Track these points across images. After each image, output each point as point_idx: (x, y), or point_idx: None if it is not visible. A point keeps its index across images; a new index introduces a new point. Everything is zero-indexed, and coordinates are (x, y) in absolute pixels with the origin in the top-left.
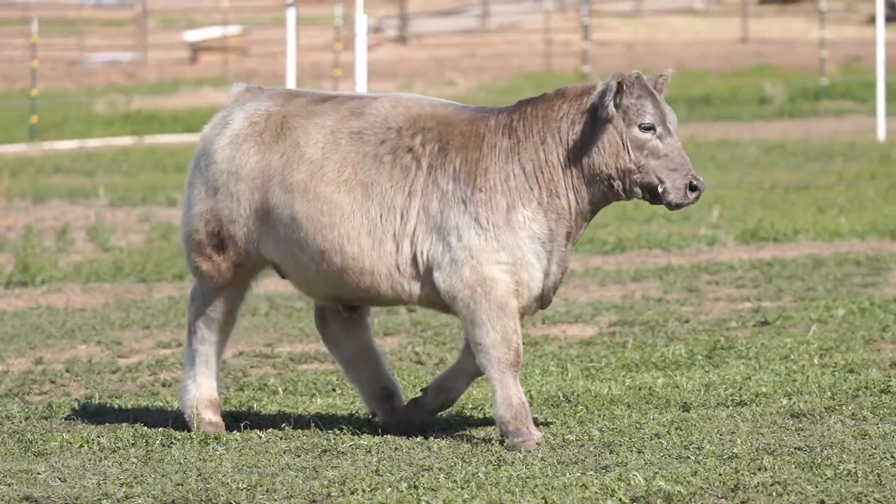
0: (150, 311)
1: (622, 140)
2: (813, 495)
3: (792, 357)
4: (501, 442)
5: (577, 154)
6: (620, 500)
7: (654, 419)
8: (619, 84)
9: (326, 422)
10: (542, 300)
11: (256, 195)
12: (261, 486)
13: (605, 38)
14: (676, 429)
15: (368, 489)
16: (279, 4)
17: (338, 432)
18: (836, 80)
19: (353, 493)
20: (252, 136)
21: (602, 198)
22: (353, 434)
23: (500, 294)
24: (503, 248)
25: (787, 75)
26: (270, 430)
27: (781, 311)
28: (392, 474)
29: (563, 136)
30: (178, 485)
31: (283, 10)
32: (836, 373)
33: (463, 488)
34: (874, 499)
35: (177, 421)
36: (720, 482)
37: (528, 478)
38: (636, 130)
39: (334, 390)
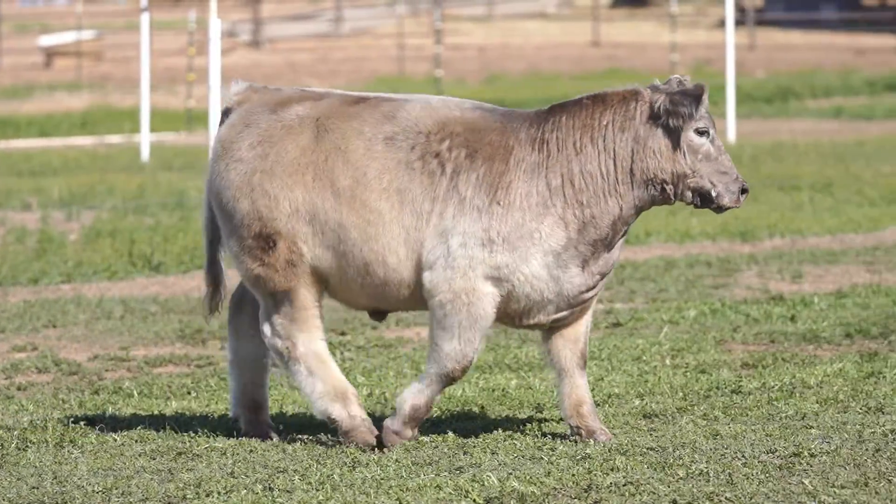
0: (4, 314)
1: (679, 144)
2: (665, 495)
3: (644, 358)
4: (378, 439)
5: (625, 160)
6: (475, 500)
7: (507, 420)
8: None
9: (181, 425)
10: (571, 301)
11: (298, 193)
12: (116, 488)
13: (458, 42)
14: (530, 430)
15: (224, 491)
16: (133, 9)
17: (193, 435)
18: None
19: (208, 495)
20: (288, 136)
21: (650, 202)
22: (208, 437)
23: (482, 307)
24: (506, 265)
25: (638, 78)
26: (126, 433)
27: (633, 312)
28: (247, 476)
29: (606, 144)
30: (34, 488)
31: (138, 15)
32: (688, 373)
33: (318, 490)
34: (725, 498)
35: (32, 424)
36: (573, 482)
37: (382, 479)
38: (692, 134)
39: (189, 393)
